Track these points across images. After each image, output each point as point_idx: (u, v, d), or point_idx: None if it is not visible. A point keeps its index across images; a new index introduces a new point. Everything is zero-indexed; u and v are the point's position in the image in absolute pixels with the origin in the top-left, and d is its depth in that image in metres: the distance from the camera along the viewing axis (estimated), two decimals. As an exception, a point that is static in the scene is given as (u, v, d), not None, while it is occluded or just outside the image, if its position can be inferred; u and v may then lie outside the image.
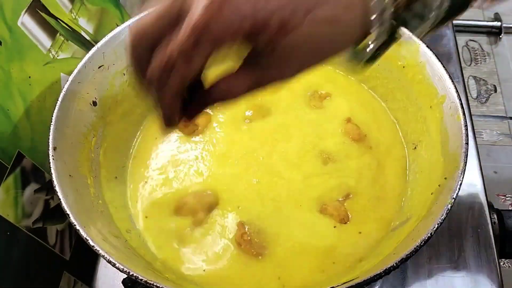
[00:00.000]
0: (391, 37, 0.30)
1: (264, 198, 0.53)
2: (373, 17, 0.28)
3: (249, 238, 0.49)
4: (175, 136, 0.60)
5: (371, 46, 0.29)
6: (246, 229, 0.50)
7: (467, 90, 1.47)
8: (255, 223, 0.51)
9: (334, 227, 0.50)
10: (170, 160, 0.57)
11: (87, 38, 0.65)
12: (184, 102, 0.32)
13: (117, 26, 0.56)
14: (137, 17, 0.29)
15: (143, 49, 0.29)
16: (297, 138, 0.57)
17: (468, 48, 1.57)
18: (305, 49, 0.29)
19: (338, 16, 0.28)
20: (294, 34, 0.27)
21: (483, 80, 1.50)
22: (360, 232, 0.50)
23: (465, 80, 1.32)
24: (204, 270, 0.49)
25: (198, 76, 0.31)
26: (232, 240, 0.50)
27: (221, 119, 0.60)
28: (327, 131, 0.58)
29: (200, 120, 0.59)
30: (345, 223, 0.50)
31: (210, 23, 0.26)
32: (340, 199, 0.52)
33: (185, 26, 0.26)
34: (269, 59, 0.29)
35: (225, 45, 0.28)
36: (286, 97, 0.61)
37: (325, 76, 0.62)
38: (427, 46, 0.51)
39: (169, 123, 0.33)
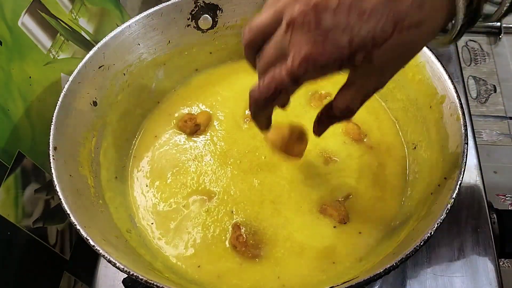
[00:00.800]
0: (474, 17, 0.32)
1: (264, 199, 0.53)
2: (459, 14, 0.30)
3: (244, 240, 0.49)
4: (176, 135, 0.60)
5: (457, 28, 0.32)
6: (242, 231, 0.50)
7: (467, 90, 1.47)
8: (252, 224, 0.51)
9: (334, 227, 0.50)
10: (170, 160, 0.57)
11: (87, 38, 0.65)
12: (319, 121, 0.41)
13: (117, 26, 0.56)
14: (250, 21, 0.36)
15: (255, 43, 0.35)
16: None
17: (467, 48, 1.57)
18: (397, 54, 0.32)
19: (424, 19, 0.30)
20: (386, 46, 0.31)
21: (483, 80, 1.50)
22: (360, 232, 0.50)
23: (465, 80, 1.31)
24: (199, 266, 0.49)
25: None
26: (229, 242, 0.50)
27: (221, 117, 0.61)
28: (327, 130, 0.58)
29: (202, 119, 0.59)
30: (345, 223, 0.50)
31: (316, 54, 0.31)
32: (340, 199, 0.52)
33: (295, 56, 0.31)
34: (367, 70, 0.33)
35: (327, 72, 0.32)
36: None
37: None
38: (426, 46, 0.52)
39: (264, 128, 0.41)
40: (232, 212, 0.52)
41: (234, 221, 0.51)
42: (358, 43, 0.30)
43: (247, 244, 0.49)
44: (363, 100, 0.36)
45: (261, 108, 0.37)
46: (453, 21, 0.32)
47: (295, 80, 0.33)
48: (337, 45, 0.30)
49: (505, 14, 0.33)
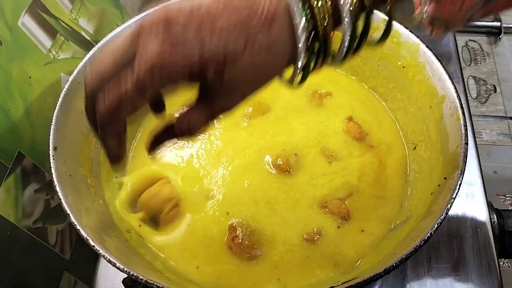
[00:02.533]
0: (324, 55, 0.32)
1: (258, 199, 0.53)
2: (301, 43, 0.30)
3: (240, 241, 0.49)
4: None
5: (299, 66, 0.32)
6: (238, 232, 0.50)
7: (467, 90, 1.47)
8: (250, 224, 0.51)
9: (338, 227, 0.50)
10: (169, 159, 0.57)
11: (87, 38, 0.65)
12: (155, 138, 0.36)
13: (117, 26, 0.56)
14: (95, 58, 0.32)
15: (98, 87, 0.31)
16: (301, 132, 0.58)
17: (467, 48, 1.57)
18: (248, 77, 0.32)
19: (273, 44, 0.30)
20: (237, 65, 0.30)
21: (483, 80, 1.50)
22: (362, 231, 0.50)
23: (465, 80, 1.32)
24: (197, 267, 0.49)
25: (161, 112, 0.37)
26: (225, 243, 0.50)
27: (220, 116, 0.60)
28: (328, 128, 0.58)
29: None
30: (346, 220, 0.50)
31: (163, 62, 0.29)
32: (341, 198, 0.52)
33: (140, 63, 0.29)
34: (217, 90, 0.32)
35: (175, 81, 0.30)
36: (286, 95, 0.61)
37: (326, 76, 0.62)
38: (426, 46, 0.52)
39: (116, 160, 0.36)
40: (228, 213, 0.52)
41: (230, 222, 0.51)
42: (209, 53, 0.29)
43: (243, 245, 0.49)
44: (207, 120, 0.34)
45: (107, 127, 0.32)
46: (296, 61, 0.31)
47: (141, 90, 0.30)
48: (187, 52, 0.29)
49: (347, 53, 0.32)
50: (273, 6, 0.29)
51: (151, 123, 0.61)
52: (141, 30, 0.30)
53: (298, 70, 0.32)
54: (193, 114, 0.34)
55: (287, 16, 0.30)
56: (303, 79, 0.34)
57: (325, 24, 0.30)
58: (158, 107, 0.38)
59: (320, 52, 0.31)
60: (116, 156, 0.35)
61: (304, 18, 0.29)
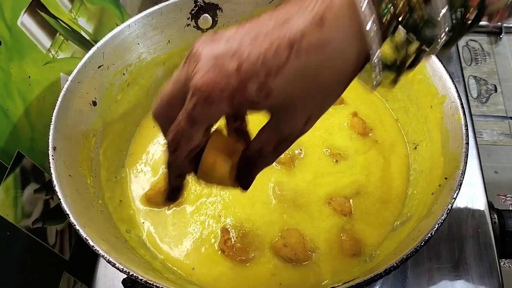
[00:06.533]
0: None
1: (255, 200, 0.52)
2: (368, 26, 0.24)
3: (232, 244, 0.49)
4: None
5: (378, 66, 0.26)
6: (231, 234, 0.49)
7: (468, 90, 1.46)
8: (244, 226, 0.50)
9: (342, 226, 0.50)
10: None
11: (87, 38, 0.65)
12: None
13: (117, 25, 0.56)
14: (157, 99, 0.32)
15: (165, 123, 0.31)
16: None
17: (468, 48, 1.57)
18: (303, 85, 0.27)
19: (327, 40, 0.25)
20: (283, 74, 0.26)
21: (484, 80, 1.50)
22: (363, 230, 0.50)
23: (466, 80, 1.32)
24: (193, 269, 0.49)
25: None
26: (218, 246, 0.50)
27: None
28: (333, 125, 0.58)
29: None
30: (346, 215, 0.50)
31: (202, 87, 0.27)
32: (347, 196, 0.52)
33: (188, 96, 0.28)
34: (274, 108, 0.28)
35: (220, 105, 0.27)
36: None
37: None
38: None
39: (172, 196, 0.36)
40: (220, 216, 0.52)
41: (222, 224, 0.51)
42: (247, 69, 0.26)
43: (235, 248, 0.48)
44: (276, 147, 0.31)
45: (170, 162, 0.33)
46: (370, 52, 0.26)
47: (191, 121, 0.28)
48: (224, 73, 0.26)
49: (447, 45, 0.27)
50: (324, 3, 0.25)
51: (150, 122, 0.61)
52: (191, 52, 0.28)
53: (377, 68, 0.26)
54: (262, 137, 0.32)
55: (345, 11, 0.25)
56: (398, 76, 0.28)
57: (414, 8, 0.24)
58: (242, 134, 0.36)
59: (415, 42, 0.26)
60: (175, 189, 0.36)
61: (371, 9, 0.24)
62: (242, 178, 0.35)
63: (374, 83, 0.28)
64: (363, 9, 0.24)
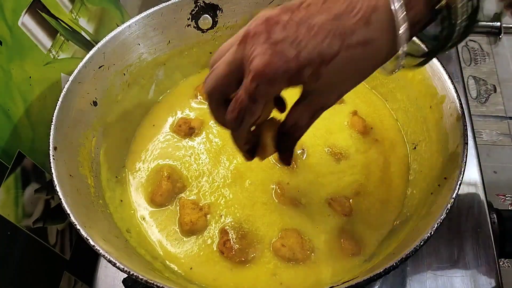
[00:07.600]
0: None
1: (255, 201, 0.52)
2: (401, 31, 0.30)
3: (230, 245, 0.49)
4: (173, 138, 0.60)
5: (402, 59, 0.33)
6: (230, 235, 0.49)
7: (467, 90, 1.47)
8: (243, 227, 0.50)
9: (341, 226, 0.50)
10: (166, 159, 0.57)
11: (88, 38, 0.65)
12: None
13: (117, 26, 0.56)
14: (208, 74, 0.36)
15: (218, 100, 0.36)
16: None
17: (467, 48, 1.57)
18: (347, 72, 0.33)
19: (371, 38, 0.31)
20: (334, 63, 0.31)
21: (483, 80, 1.50)
22: (362, 231, 0.50)
23: (465, 80, 1.31)
24: (191, 268, 0.49)
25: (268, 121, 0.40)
26: (216, 247, 0.50)
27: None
28: (334, 124, 0.58)
29: (196, 123, 0.60)
30: (346, 215, 0.50)
31: (265, 70, 0.31)
32: (347, 196, 0.52)
33: (248, 76, 0.32)
34: (316, 88, 0.34)
35: (280, 88, 0.33)
36: (286, 93, 0.61)
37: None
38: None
39: (248, 156, 0.42)
40: (221, 216, 0.52)
41: (221, 225, 0.51)
42: (305, 57, 0.31)
43: (234, 249, 0.48)
44: (311, 118, 0.37)
45: (236, 135, 0.38)
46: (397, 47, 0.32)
47: (253, 99, 0.33)
48: (285, 58, 0.31)
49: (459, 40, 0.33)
50: (369, 6, 0.30)
51: (149, 122, 0.61)
52: (246, 35, 0.32)
53: (401, 58, 0.32)
54: (297, 111, 0.37)
55: (387, 15, 0.30)
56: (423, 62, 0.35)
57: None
58: (279, 102, 0.41)
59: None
60: (250, 150, 0.41)
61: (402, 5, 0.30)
62: (284, 153, 0.41)
63: (396, 69, 0.35)
64: (399, 18, 0.30)
